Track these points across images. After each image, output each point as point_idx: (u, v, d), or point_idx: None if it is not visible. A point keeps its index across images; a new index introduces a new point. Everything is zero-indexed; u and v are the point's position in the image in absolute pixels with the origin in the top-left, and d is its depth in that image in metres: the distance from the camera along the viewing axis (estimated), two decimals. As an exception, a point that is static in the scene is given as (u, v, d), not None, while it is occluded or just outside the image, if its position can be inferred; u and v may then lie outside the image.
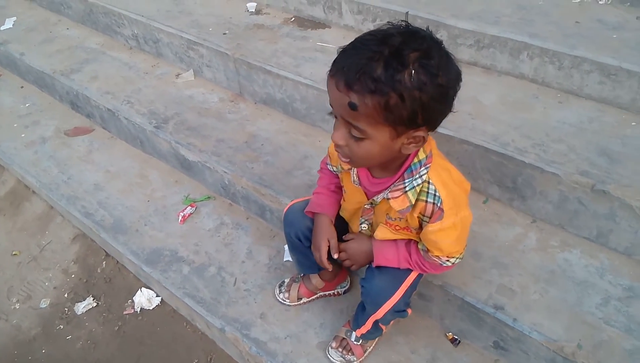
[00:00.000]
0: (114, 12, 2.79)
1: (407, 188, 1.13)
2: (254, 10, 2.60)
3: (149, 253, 1.92)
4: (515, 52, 1.88)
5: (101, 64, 2.74)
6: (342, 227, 1.41)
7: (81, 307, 1.93)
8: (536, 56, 1.83)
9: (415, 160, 1.12)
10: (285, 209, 1.50)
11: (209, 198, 2.12)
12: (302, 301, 1.67)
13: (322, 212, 1.37)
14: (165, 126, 2.23)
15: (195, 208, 2.07)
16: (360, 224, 1.34)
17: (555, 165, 1.53)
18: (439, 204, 1.12)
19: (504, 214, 1.67)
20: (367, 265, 1.36)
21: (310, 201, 1.41)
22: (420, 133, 1.02)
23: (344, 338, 1.52)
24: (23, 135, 2.61)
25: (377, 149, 1.03)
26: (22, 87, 3.00)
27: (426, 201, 1.13)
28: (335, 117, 1.04)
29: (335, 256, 1.35)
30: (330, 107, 1.04)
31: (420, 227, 1.21)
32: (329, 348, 1.52)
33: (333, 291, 1.67)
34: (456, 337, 1.54)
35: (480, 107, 1.80)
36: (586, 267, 1.49)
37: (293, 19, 2.49)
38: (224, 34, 2.41)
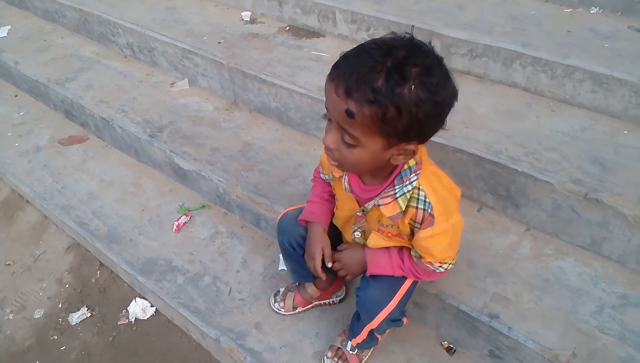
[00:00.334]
0: (109, 21, 2.79)
1: (397, 195, 1.14)
2: (248, 19, 2.61)
3: (144, 262, 1.91)
4: (508, 61, 1.89)
5: (96, 73, 2.74)
6: (335, 236, 1.41)
7: (75, 317, 1.92)
8: (529, 65, 1.85)
9: (406, 167, 1.13)
10: (278, 217, 1.50)
11: (203, 207, 2.11)
12: (297, 311, 1.67)
13: (316, 221, 1.37)
14: (159, 134, 2.23)
15: (190, 217, 2.07)
16: (353, 232, 1.34)
17: (548, 173, 1.54)
18: (429, 211, 1.13)
19: (498, 222, 1.68)
20: (362, 275, 1.36)
21: (304, 210, 1.41)
22: (411, 147, 1.04)
23: (339, 347, 1.52)
24: (17, 144, 2.60)
25: (367, 157, 1.04)
26: (16, 96, 2.99)
27: (417, 208, 1.14)
28: (329, 120, 1.05)
29: (330, 265, 1.35)
30: (325, 109, 1.04)
31: (412, 233, 1.21)
32: (325, 358, 1.52)
33: (328, 300, 1.67)
34: (452, 346, 1.54)
35: (474, 116, 1.81)
36: (580, 275, 1.50)
37: (288, 28, 2.50)
38: (218, 43, 2.42)
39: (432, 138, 1.64)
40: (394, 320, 1.34)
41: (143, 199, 2.20)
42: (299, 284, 1.67)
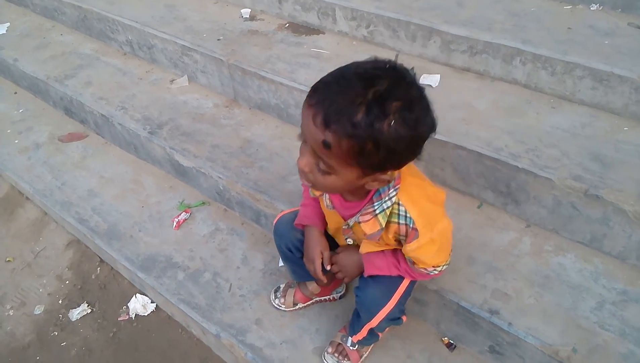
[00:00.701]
0: (108, 18, 2.78)
1: (377, 211, 1.13)
2: (248, 16, 2.61)
3: (144, 259, 1.91)
4: (508, 58, 1.89)
5: (95, 70, 2.74)
6: (331, 238, 1.41)
7: (76, 314, 1.92)
8: (529, 62, 1.85)
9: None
10: (274, 221, 1.51)
11: (203, 203, 2.11)
12: (297, 307, 1.67)
13: (312, 224, 1.36)
14: (159, 131, 2.22)
15: (190, 213, 2.07)
16: (346, 239, 1.34)
17: (548, 170, 1.54)
18: (411, 225, 1.13)
19: (498, 219, 1.68)
20: (360, 275, 1.36)
21: (299, 214, 1.41)
22: (386, 177, 1.03)
23: (339, 343, 1.52)
24: (17, 141, 2.60)
25: (341, 184, 1.04)
26: (15, 93, 2.98)
27: (398, 223, 1.14)
28: (304, 141, 1.03)
29: (329, 267, 1.35)
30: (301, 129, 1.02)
31: (400, 243, 1.22)
32: (325, 353, 1.52)
33: (329, 296, 1.67)
34: (452, 342, 1.54)
35: (474, 113, 1.81)
36: (580, 271, 1.50)
37: (287, 25, 2.50)
38: (218, 40, 2.42)
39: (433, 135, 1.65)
40: (393, 319, 1.34)
41: (143, 196, 2.19)
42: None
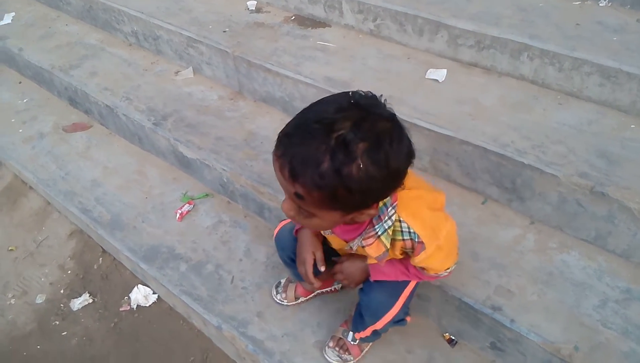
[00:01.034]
0: (114, 8, 2.78)
1: (379, 233, 1.11)
2: (254, 8, 2.60)
3: (146, 250, 1.91)
4: (515, 53, 1.87)
5: (100, 60, 2.73)
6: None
7: (77, 303, 1.93)
8: (536, 57, 1.83)
9: (381, 204, 1.07)
10: (275, 232, 1.50)
11: (207, 195, 2.11)
12: (299, 301, 1.66)
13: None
14: (164, 123, 2.22)
15: (193, 205, 2.07)
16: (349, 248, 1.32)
17: (554, 166, 1.52)
18: (416, 239, 1.11)
19: (503, 215, 1.67)
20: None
21: None
22: (372, 211, 1.01)
23: (340, 338, 1.52)
24: (21, 130, 2.60)
25: (327, 224, 1.03)
26: (20, 82, 2.98)
27: (403, 239, 1.12)
28: None
29: (322, 269, 1.33)
30: None
31: (407, 254, 1.20)
32: (326, 347, 1.52)
33: (330, 287, 1.67)
34: (453, 338, 1.53)
35: (480, 108, 1.80)
36: (584, 269, 1.49)
37: (293, 17, 2.49)
38: (224, 31, 2.41)
39: (439, 130, 1.64)
40: (398, 321, 1.34)
41: (146, 187, 2.19)
42: None
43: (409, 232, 1.11)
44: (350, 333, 1.48)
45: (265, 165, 1.94)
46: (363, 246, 1.15)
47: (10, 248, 2.19)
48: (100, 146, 2.46)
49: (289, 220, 1.48)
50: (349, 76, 1.97)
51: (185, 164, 2.17)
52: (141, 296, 1.90)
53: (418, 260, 1.15)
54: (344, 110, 0.91)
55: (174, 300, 1.82)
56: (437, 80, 1.92)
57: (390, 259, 1.25)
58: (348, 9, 2.27)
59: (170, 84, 2.49)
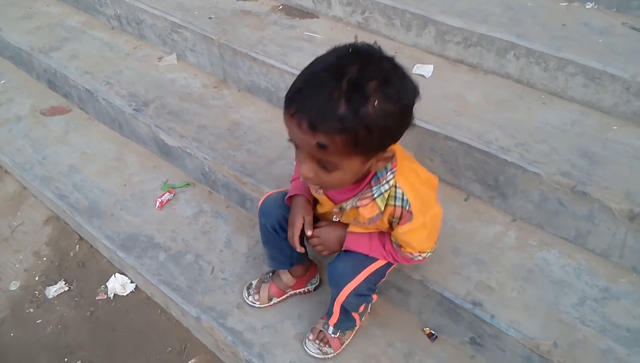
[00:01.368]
0: (97, -10, 2.71)
1: (375, 195, 1.14)
2: (241, -4, 2.56)
3: (125, 238, 1.88)
4: (502, 51, 1.88)
5: (81, 44, 2.67)
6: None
7: (52, 291, 1.88)
8: (522, 56, 1.84)
9: (382, 167, 1.12)
10: (261, 201, 1.48)
11: (188, 184, 2.08)
12: (272, 302, 1.63)
13: (301, 193, 1.36)
14: (145, 109, 2.18)
15: (174, 194, 2.04)
16: (333, 218, 1.33)
17: (537, 165, 1.54)
18: (407, 208, 1.14)
19: (485, 212, 1.68)
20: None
21: (291, 187, 1.40)
22: (389, 154, 1.05)
23: (321, 330, 1.50)
24: (-3, 112, 2.53)
25: (349, 176, 1.05)
26: (-3, 63, 2.90)
27: (394, 206, 1.15)
28: (296, 146, 1.04)
29: (309, 233, 1.33)
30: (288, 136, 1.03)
31: (391, 226, 1.22)
32: (306, 340, 1.51)
33: (304, 289, 1.65)
34: (433, 332, 1.54)
35: (466, 105, 1.80)
36: (564, 267, 1.51)
37: (281, 7, 2.46)
38: (209, 18, 2.37)
39: (424, 125, 1.64)
40: (361, 295, 1.34)
41: (126, 174, 2.15)
42: (273, 273, 1.64)
43: (402, 199, 1.14)
44: (331, 326, 1.47)
45: (248, 155, 1.92)
46: (357, 207, 1.17)
47: (-17, 233, 2.13)
48: (79, 131, 2.41)
49: (277, 190, 1.48)
50: (336, 68, 1.95)
51: (166, 152, 2.13)
52: (118, 285, 1.87)
53: (401, 230, 1.18)
54: (347, 57, 0.96)
55: (152, 289, 1.79)
56: (423, 75, 1.93)
57: (370, 232, 1.28)
58: (337, 1, 2.25)
59: (153, 70, 2.45)
